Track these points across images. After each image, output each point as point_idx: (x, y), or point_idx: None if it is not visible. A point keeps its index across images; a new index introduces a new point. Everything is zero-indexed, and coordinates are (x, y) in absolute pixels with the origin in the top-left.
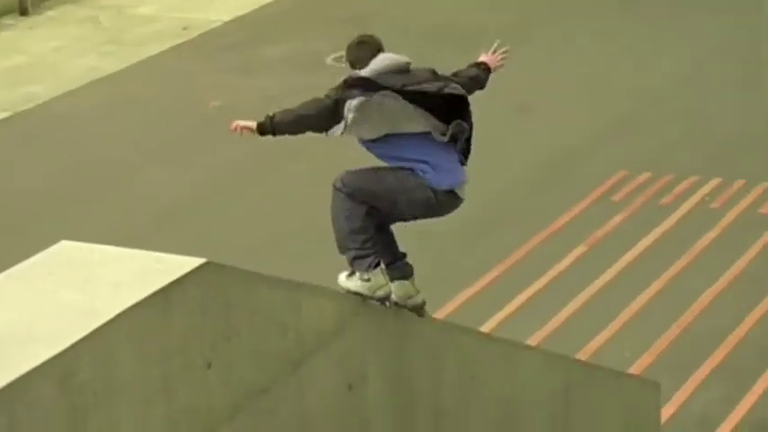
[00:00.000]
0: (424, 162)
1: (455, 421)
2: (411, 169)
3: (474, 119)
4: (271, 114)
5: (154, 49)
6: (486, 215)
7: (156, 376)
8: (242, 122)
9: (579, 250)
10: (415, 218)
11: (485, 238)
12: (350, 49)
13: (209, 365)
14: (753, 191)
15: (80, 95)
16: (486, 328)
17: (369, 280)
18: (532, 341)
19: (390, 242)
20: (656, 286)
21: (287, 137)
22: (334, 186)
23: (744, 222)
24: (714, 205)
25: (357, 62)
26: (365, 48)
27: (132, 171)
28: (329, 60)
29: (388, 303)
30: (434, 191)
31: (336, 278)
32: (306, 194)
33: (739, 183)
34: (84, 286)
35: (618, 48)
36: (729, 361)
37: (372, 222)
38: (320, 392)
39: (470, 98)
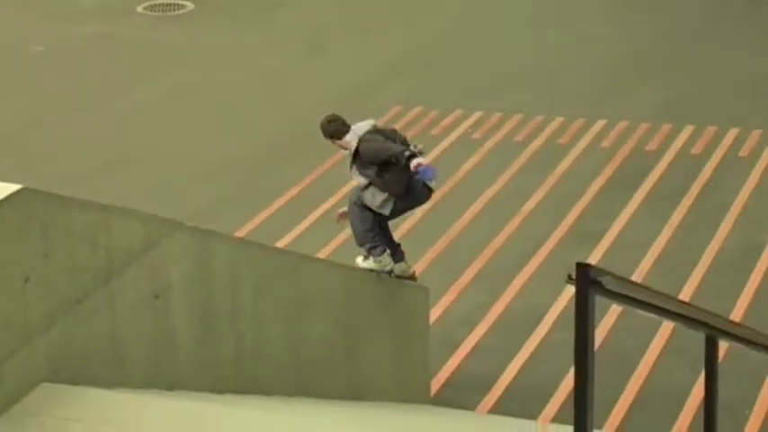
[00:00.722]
0: None
1: (251, 324)
2: None
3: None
4: None
5: None
6: (283, 144)
7: None
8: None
9: None
10: (405, 210)
11: (282, 165)
12: (323, 126)
13: (26, 280)
14: (508, 122)
15: None
16: (280, 243)
17: (380, 261)
18: (321, 254)
19: (391, 238)
20: (427, 205)
21: None
22: (352, 202)
23: (501, 149)
24: (475, 135)
25: (334, 134)
26: (335, 122)
27: None
28: (140, 9)
29: (391, 274)
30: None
31: None
32: (124, 128)
33: (497, 116)
34: None
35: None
36: (488, 268)
37: (377, 222)
38: (129, 303)
39: (268, 41)
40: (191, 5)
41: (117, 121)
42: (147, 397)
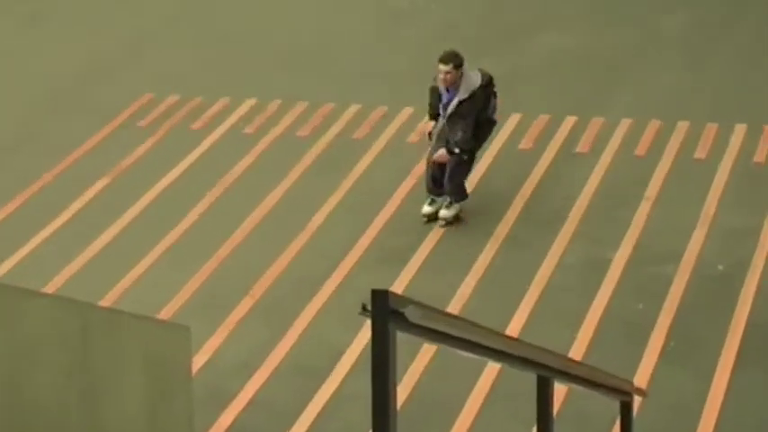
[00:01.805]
0: None
1: None
2: None
3: None
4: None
5: None
6: (1, 141)
7: None
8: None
9: (103, 182)
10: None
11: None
12: (451, 54)
13: None
14: (290, 112)
15: None
16: (2, 268)
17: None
18: (48, 289)
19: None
20: (189, 219)
21: None
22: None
23: (281, 146)
24: (248, 130)
25: (459, 63)
26: (460, 56)
27: None
28: None
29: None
30: None
31: None
32: None
33: (276, 103)
34: None
35: None
36: (269, 298)
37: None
38: None
39: None
40: None
41: None
42: None
